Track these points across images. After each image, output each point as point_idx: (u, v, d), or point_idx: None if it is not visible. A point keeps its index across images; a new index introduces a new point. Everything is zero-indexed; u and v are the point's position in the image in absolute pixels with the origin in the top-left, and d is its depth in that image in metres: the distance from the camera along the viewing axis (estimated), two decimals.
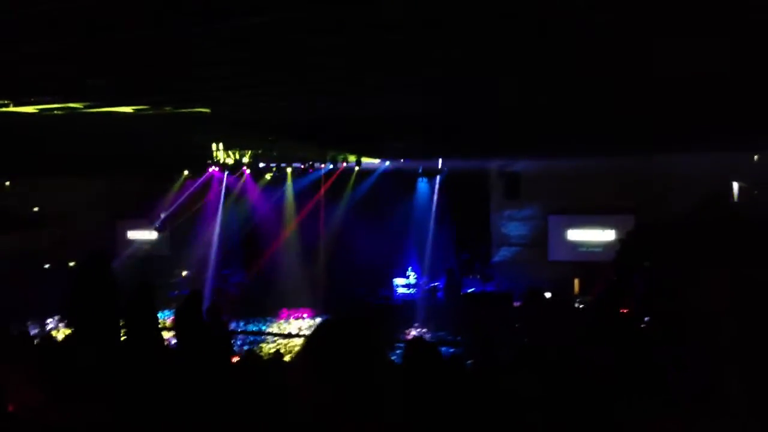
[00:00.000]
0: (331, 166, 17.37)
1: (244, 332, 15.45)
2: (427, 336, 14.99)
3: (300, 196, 18.65)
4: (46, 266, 20.08)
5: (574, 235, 17.03)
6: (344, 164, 17.01)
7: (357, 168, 17.04)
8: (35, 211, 19.92)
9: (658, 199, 14.68)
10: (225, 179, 18.87)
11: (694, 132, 11.45)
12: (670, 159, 14.80)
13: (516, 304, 15.97)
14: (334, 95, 8.94)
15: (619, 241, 13.20)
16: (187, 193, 18.95)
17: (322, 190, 18.31)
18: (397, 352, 9.59)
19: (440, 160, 16.73)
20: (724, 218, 9.45)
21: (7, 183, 18.37)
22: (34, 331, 14.81)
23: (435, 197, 17.79)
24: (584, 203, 16.55)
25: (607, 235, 16.39)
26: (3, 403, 2.92)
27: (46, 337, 10.65)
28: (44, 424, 2.69)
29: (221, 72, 7.26)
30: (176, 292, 18.51)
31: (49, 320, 16.67)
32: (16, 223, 19.20)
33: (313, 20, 4.57)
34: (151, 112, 10.64)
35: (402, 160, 16.98)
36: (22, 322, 15.64)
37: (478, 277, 17.62)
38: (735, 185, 11.68)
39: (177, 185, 18.89)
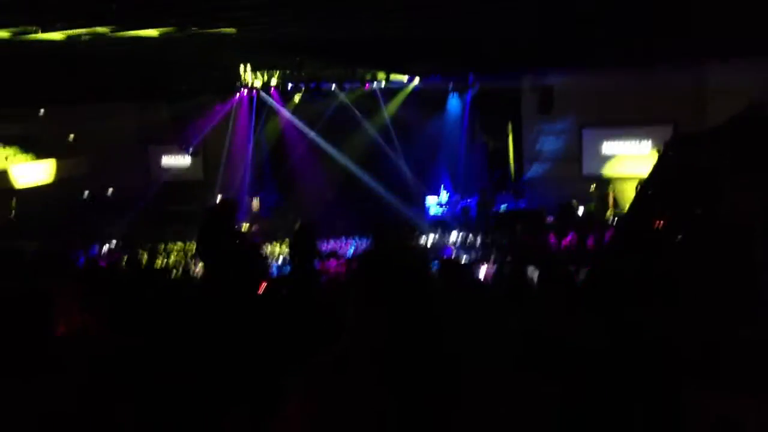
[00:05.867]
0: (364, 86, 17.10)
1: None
2: (461, 254, 15.11)
3: (328, 116, 18.49)
4: (86, 192, 20.53)
5: (610, 148, 16.69)
6: (375, 82, 16.74)
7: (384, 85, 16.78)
8: (70, 139, 20.18)
9: (696, 110, 14.24)
10: (255, 101, 18.78)
11: (734, 38, 10.99)
12: (708, 68, 14.26)
13: (549, 219, 15.92)
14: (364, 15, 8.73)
15: (657, 151, 12.92)
16: (217, 117, 18.96)
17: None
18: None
19: (471, 76, 16.35)
20: (764, 127, 9.14)
21: (42, 111, 18.56)
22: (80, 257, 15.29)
23: (466, 114, 17.50)
24: (619, 115, 16.13)
25: (644, 147, 16.03)
26: (52, 327, 3.04)
27: (93, 262, 11.01)
28: (93, 350, 2.80)
29: None
30: None
31: (97, 246, 17.16)
32: (52, 151, 19.53)
33: None
34: (176, 34, 10.54)
35: (432, 77, 16.64)
36: (69, 248, 16.17)
37: (511, 193, 17.52)
38: None
39: (206, 108, 18.86)
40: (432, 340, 1.39)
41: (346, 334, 1.45)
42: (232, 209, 5.11)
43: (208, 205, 16.39)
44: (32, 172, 19.29)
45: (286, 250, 16.32)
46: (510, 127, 17.48)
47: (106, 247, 17.02)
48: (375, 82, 16.76)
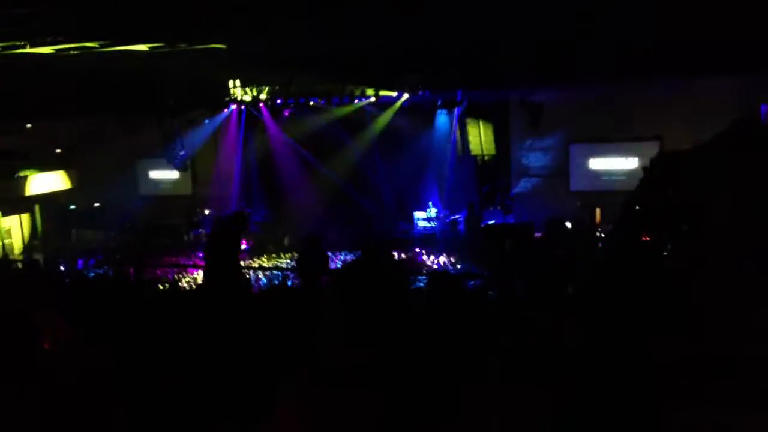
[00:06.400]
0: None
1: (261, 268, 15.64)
2: (449, 269, 15.12)
3: (318, 132, 18.49)
4: (72, 207, 20.42)
5: (597, 164, 16.84)
6: (364, 98, 16.78)
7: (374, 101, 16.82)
8: (58, 153, 20.11)
9: (683, 125, 14.39)
10: (244, 116, 18.81)
11: (721, 51, 11.14)
12: (694, 83, 14.43)
13: (537, 235, 15.97)
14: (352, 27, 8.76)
15: (643, 168, 13.03)
16: (206, 131, 18.93)
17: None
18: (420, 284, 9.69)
19: (459, 92, 16.45)
20: (751, 142, 9.25)
21: (28, 125, 18.48)
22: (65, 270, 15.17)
23: (455, 129, 17.59)
24: (607, 131, 16.28)
25: (630, 163, 16.18)
26: (39, 341, 3.02)
27: (79, 277, 10.91)
28: (78, 362, 2.79)
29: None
30: (200, 230, 18.78)
31: (83, 259, 17.05)
32: (40, 165, 19.45)
33: None
34: (166, 49, 10.56)
35: (420, 93, 16.73)
36: (56, 261, 16.05)
37: (499, 209, 17.59)
38: (763, 107, 11.36)
39: (195, 123, 18.84)
40: (419, 348, 1.40)
41: (334, 344, 1.46)
42: (244, 222, 5.18)
43: (218, 216, 16.38)
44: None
45: (274, 263, 16.30)
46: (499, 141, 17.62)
47: (92, 261, 16.89)
48: (364, 98, 16.81)
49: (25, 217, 19.63)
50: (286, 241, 17.95)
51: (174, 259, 16.65)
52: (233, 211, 12.73)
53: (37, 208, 19.82)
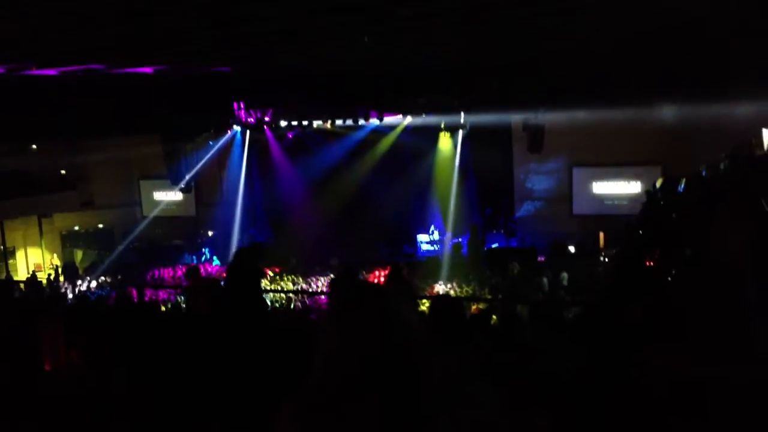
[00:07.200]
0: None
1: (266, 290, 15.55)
2: (452, 292, 15.04)
3: (321, 154, 18.54)
4: (76, 228, 20.45)
5: (599, 187, 16.84)
6: (366, 121, 16.83)
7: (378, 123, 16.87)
8: (62, 174, 20.20)
9: (685, 150, 14.40)
10: (248, 138, 18.88)
11: (724, 78, 11.19)
12: (697, 108, 14.46)
13: (540, 258, 15.92)
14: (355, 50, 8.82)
15: (646, 192, 13.04)
16: (210, 153, 18.98)
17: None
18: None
19: (462, 115, 16.51)
20: (753, 167, 9.26)
21: (34, 146, 18.60)
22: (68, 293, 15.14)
23: (458, 152, 17.63)
24: (609, 155, 16.31)
25: (633, 187, 16.18)
26: (40, 362, 3.00)
27: (81, 298, 10.89)
28: (80, 383, 2.77)
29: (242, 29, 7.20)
30: (203, 250, 18.78)
31: (80, 282, 17.03)
32: (43, 186, 19.51)
33: None
34: (170, 72, 10.62)
35: (424, 116, 16.78)
36: (58, 282, 16.01)
37: (502, 232, 17.55)
38: (765, 132, 11.37)
39: (200, 145, 18.89)
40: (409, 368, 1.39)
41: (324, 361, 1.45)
42: (260, 252, 5.25)
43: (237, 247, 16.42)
44: None
45: (278, 286, 16.22)
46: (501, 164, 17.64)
47: (94, 282, 16.87)
48: (367, 120, 16.87)
49: (29, 237, 19.64)
50: (292, 262, 17.90)
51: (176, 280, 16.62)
52: (251, 243, 13.14)
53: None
